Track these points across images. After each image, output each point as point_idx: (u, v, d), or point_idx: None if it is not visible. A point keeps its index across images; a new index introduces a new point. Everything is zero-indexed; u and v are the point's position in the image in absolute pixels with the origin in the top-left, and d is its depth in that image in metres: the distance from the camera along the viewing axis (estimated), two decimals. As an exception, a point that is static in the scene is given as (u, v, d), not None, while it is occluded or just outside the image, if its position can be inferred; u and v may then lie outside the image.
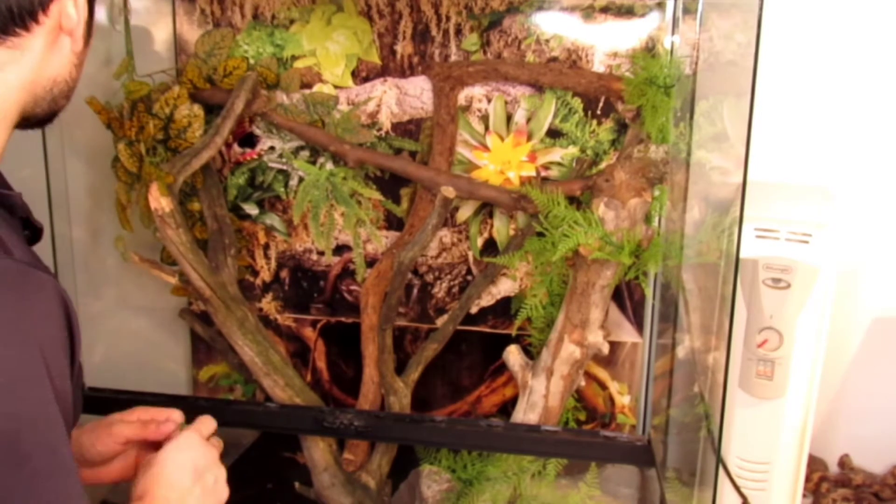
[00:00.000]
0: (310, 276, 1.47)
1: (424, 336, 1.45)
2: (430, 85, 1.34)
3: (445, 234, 1.40)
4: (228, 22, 1.37)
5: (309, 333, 1.50)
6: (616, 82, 1.26)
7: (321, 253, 1.45)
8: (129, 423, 0.87)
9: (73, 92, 0.77)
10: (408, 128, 1.37)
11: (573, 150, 1.32)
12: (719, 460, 1.09)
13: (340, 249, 1.44)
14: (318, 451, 1.43)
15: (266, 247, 1.46)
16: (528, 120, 1.33)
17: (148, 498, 0.75)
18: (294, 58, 1.37)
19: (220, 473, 0.83)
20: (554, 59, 1.30)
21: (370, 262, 1.43)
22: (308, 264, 1.46)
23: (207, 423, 0.86)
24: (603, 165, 1.31)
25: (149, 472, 0.78)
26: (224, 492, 0.82)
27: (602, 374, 1.41)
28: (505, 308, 1.42)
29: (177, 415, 0.88)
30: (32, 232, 0.73)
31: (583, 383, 1.38)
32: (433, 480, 1.40)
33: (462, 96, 1.34)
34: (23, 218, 0.71)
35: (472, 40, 1.32)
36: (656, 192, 1.26)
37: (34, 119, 0.74)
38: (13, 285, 0.58)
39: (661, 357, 1.35)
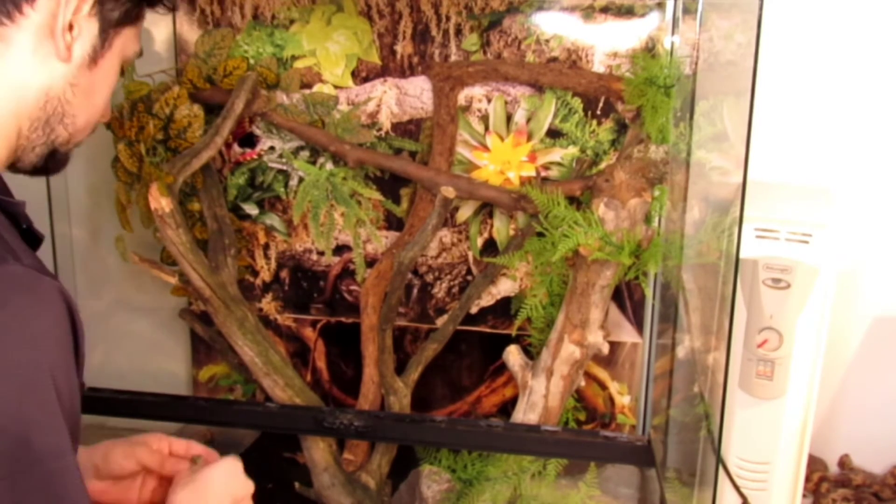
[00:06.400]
0: (310, 276, 1.47)
1: (424, 336, 1.45)
2: (430, 85, 1.34)
3: (445, 234, 1.40)
4: (228, 22, 1.37)
5: (309, 333, 1.50)
6: (616, 82, 1.26)
7: (321, 253, 1.45)
8: (151, 451, 0.87)
9: (78, 129, 0.72)
10: (408, 128, 1.37)
11: (573, 150, 1.32)
12: (719, 460, 1.09)
13: (340, 249, 1.44)
14: (318, 452, 1.43)
15: (266, 247, 1.46)
16: (528, 120, 1.33)
17: None
18: (294, 58, 1.37)
19: None
20: (554, 59, 1.30)
21: (370, 262, 1.43)
22: (308, 264, 1.46)
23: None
24: (603, 165, 1.31)
25: (190, 487, 0.78)
26: None
27: (602, 374, 1.41)
28: (505, 308, 1.42)
29: (196, 448, 0.88)
30: (32, 241, 0.71)
31: (583, 383, 1.38)
32: (433, 480, 1.40)
33: (462, 96, 1.34)
34: (24, 227, 0.70)
35: (472, 40, 1.32)
36: (656, 192, 1.26)
37: (34, 154, 0.70)
38: (24, 290, 0.58)
39: (661, 357, 1.35)
